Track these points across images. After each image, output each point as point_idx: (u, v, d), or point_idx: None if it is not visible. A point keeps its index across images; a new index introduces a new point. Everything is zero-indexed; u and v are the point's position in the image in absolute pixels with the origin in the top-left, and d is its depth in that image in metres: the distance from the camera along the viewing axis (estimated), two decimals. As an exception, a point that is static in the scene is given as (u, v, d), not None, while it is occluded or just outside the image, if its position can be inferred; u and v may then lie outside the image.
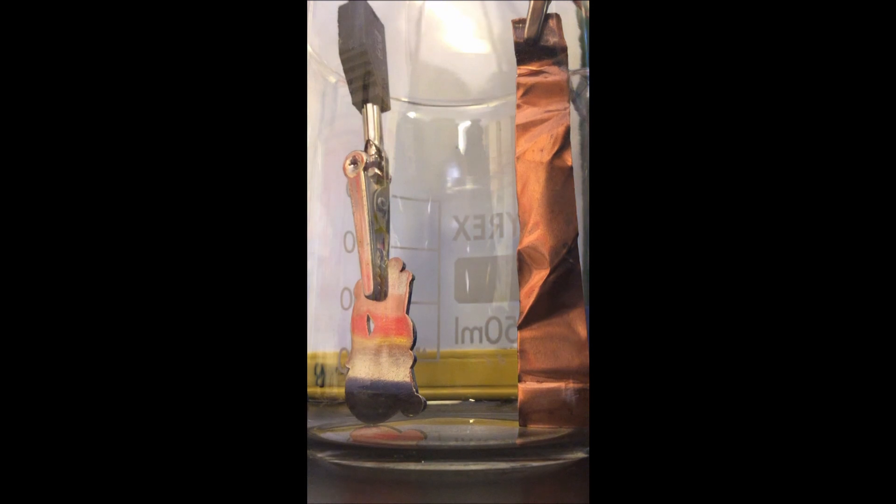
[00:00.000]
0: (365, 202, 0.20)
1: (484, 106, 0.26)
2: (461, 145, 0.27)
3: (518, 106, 0.22)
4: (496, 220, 0.26)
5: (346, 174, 0.21)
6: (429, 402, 0.20)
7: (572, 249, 0.21)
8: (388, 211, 0.21)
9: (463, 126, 0.26)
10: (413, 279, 0.21)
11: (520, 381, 0.21)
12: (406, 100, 0.26)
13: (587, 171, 0.23)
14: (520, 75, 0.22)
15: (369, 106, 0.21)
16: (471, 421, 0.25)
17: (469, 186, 0.27)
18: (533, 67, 0.22)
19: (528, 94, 0.22)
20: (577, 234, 0.21)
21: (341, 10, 0.21)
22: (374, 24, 0.22)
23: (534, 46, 0.22)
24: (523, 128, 0.22)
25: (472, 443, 0.22)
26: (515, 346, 0.21)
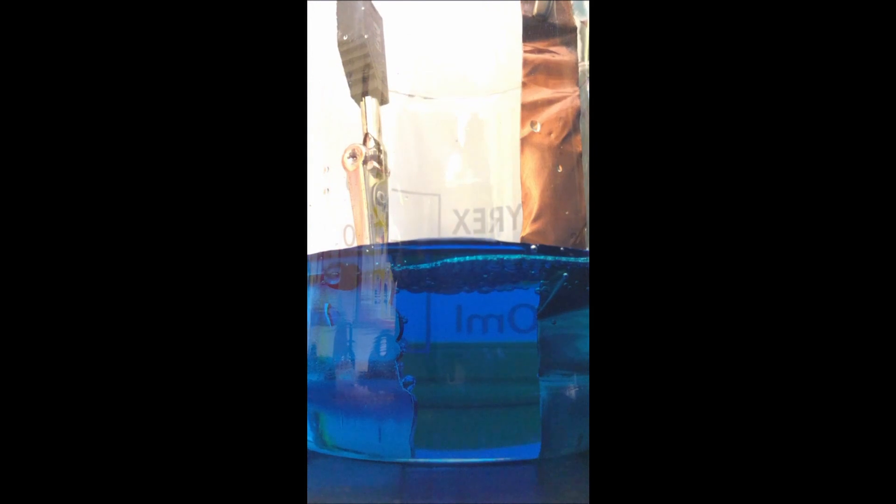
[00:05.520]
0: (364, 196, 0.20)
1: (484, 98, 0.26)
2: (461, 138, 0.26)
3: (524, 84, 0.22)
4: (496, 214, 0.26)
5: (344, 168, 0.21)
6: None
7: (579, 240, 0.20)
8: (387, 204, 0.21)
9: (463, 119, 0.26)
10: (413, 272, 0.21)
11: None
12: (405, 92, 0.26)
13: (587, 165, 0.23)
14: (526, 52, 0.22)
15: (368, 99, 0.21)
16: None
17: (469, 180, 0.27)
18: (540, 45, 0.22)
19: (535, 72, 0.21)
20: (584, 224, 0.20)
21: (340, 3, 0.21)
22: (372, 17, 0.22)
23: (543, 23, 0.22)
24: (530, 108, 0.21)
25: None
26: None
